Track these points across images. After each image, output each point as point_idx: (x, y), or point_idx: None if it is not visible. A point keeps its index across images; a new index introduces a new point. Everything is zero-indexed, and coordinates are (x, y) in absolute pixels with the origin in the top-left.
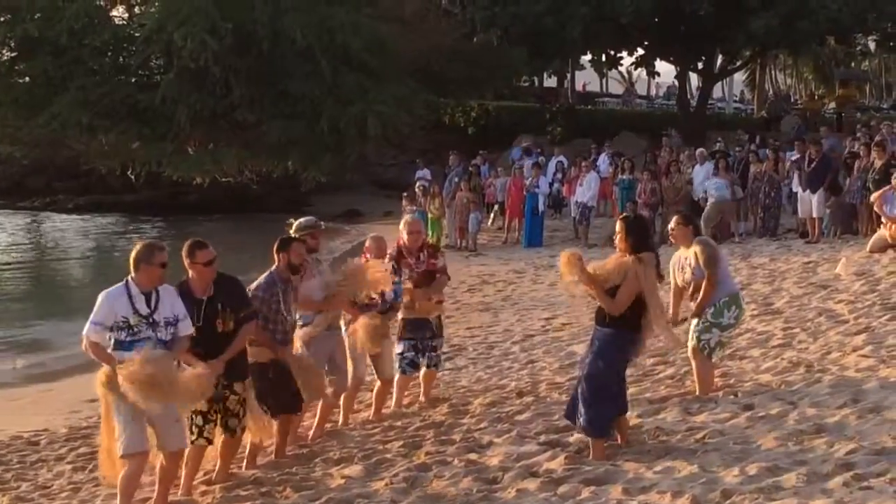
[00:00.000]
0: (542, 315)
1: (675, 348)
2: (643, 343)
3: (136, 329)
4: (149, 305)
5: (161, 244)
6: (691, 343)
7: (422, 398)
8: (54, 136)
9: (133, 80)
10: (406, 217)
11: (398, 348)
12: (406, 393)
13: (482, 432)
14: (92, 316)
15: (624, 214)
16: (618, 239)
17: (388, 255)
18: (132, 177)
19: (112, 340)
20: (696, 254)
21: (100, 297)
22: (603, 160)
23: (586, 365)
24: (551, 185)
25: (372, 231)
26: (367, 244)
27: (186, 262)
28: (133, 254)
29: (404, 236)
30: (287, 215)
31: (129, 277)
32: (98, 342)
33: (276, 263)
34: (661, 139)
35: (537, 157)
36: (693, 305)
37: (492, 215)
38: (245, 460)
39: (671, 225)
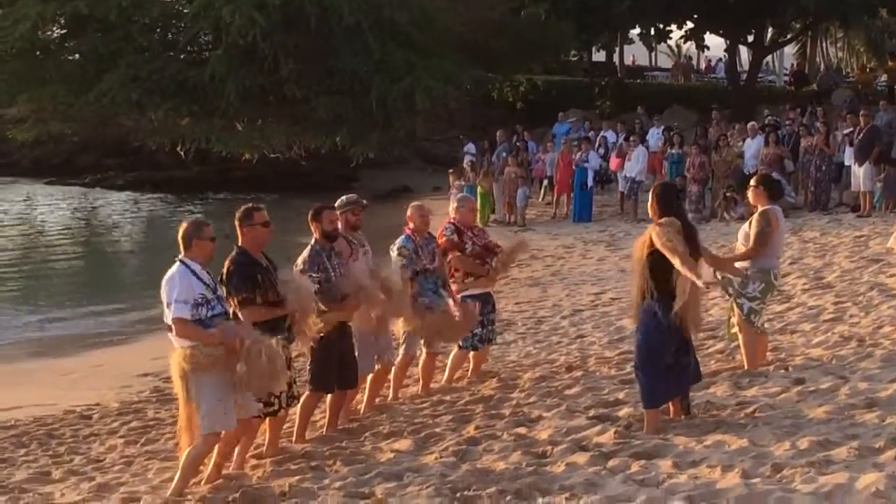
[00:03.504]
0: (591, 290)
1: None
2: (678, 312)
3: (212, 304)
4: (211, 279)
5: (206, 220)
6: (735, 318)
7: (470, 374)
8: (104, 114)
9: (182, 56)
10: (460, 194)
11: None
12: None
13: (531, 406)
14: (173, 295)
15: (655, 184)
16: (649, 207)
17: (444, 232)
18: (181, 153)
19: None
20: (751, 221)
21: (168, 280)
22: (653, 134)
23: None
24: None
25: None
26: (409, 213)
27: (244, 227)
28: (181, 232)
29: (460, 213)
30: (336, 192)
31: (181, 257)
32: (189, 320)
33: (315, 233)
34: (711, 113)
35: (584, 132)
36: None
37: (542, 190)
38: (295, 434)
39: (752, 182)
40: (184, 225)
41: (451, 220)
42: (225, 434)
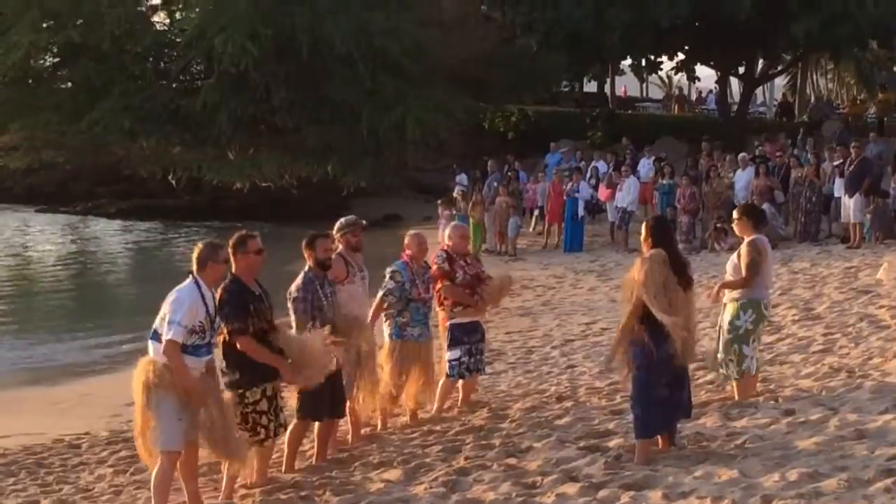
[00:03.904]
0: (581, 320)
1: (686, 356)
2: (669, 345)
3: (204, 335)
4: (214, 308)
5: (222, 243)
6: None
7: (460, 403)
8: (96, 142)
9: (174, 85)
10: (453, 222)
11: (453, 354)
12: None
13: (522, 437)
14: (176, 316)
15: (648, 218)
16: (641, 240)
17: (435, 259)
18: (173, 182)
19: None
20: (740, 252)
21: (177, 297)
22: (644, 164)
23: None
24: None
25: None
26: (406, 241)
27: (237, 255)
28: (197, 252)
29: (453, 240)
30: (327, 220)
31: (195, 276)
32: (180, 345)
33: (309, 261)
34: (702, 144)
35: (575, 162)
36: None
37: (533, 220)
38: (284, 463)
39: (735, 215)
40: (199, 246)
41: (444, 248)
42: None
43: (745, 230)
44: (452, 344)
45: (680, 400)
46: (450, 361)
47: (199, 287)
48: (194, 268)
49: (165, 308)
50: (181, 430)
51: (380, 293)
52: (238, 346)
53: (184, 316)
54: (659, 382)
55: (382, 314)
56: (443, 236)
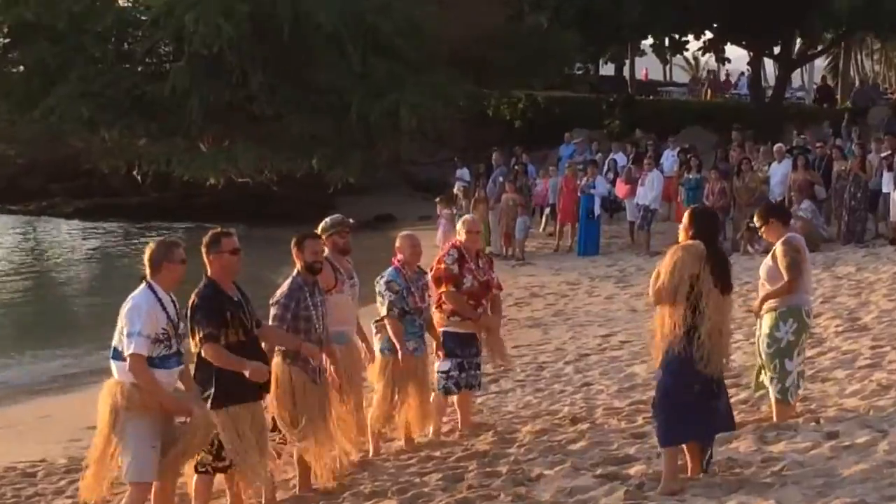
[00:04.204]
0: (598, 332)
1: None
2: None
3: (170, 343)
4: (176, 313)
5: (178, 240)
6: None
7: (461, 426)
8: (51, 132)
9: (139, 69)
10: (465, 215)
11: (443, 366)
12: (445, 419)
13: (531, 463)
14: (135, 327)
15: (693, 206)
16: (680, 229)
17: (444, 258)
18: (138, 178)
19: None
20: (774, 254)
21: (132, 306)
22: (668, 157)
23: None
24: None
25: None
26: (397, 243)
27: (210, 255)
28: (149, 253)
29: (462, 236)
30: (311, 221)
31: (149, 281)
32: (146, 358)
33: (297, 265)
34: (732, 134)
35: (590, 154)
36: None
37: (542, 219)
38: (264, 496)
39: (758, 221)
40: (152, 245)
41: (456, 245)
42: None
43: (775, 233)
44: (444, 354)
45: (715, 409)
46: (438, 373)
47: (154, 292)
48: (147, 271)
49: (122, 320)
50: (154, 459)
51: (383, 310)
52: (205, 353)
53: (144, 325)
54: (687, 387)
55: (374, 326)
56: (441, 238)
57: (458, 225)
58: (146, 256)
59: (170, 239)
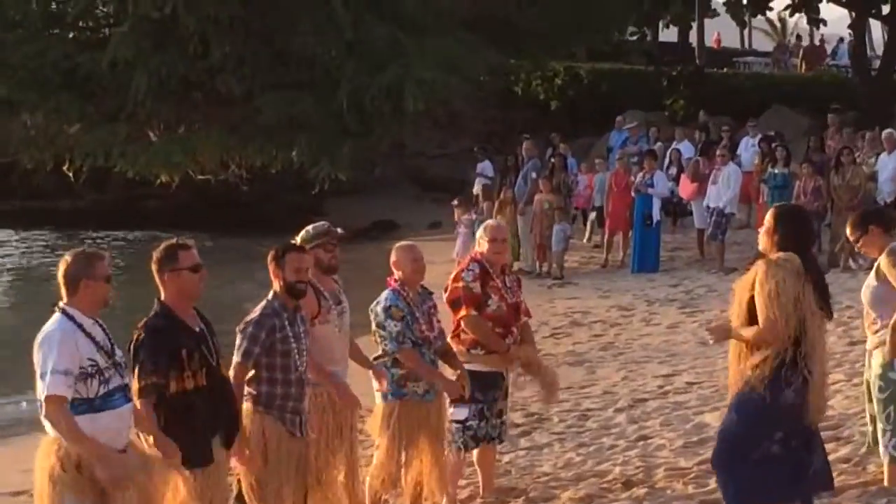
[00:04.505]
0: (658, 371)
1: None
2: (801, 392)
3: (107, 375)
4: (107, 338)
5: (99, 252)
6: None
7: (483, 491)
8: None
9: (70, 35)
10: (489, 221)
11: (458, 414)
12: (463, 482)
13: None
14: (49, 364)
15: (778, 204)
16: (762, 233)
17: (462, 275)
18: (70, 175)
19: (69, 406)
20: (879, 270)
21: (43, 339)
22: (746, 146)
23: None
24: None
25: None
26: (393, 258)
27: (164, 274)
28: (64, 269)
29: (484, 246)
30: (290, 230)
31: (63, 305)
32: (66, 400)
33: (274, 285)
34: (829, 117)
35: (648, 143)
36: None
37: (587, 227)
38: None
39: (852, 233)
40: (67, 259)
41: (476, 258)
42: None
43: (877, 244)
44: (460, 399)
45: (809, 464)
46: (453, 423)
47: (72, 319)
48: (63, 293)
49: (35, 361)
50: None
51: (390, 345)
52: (139, 407)
53: (59, 360)
54: (765, 438)
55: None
56: (461, 251)
57: (479, 232)
58: (60, 273)
59: (90, 250)
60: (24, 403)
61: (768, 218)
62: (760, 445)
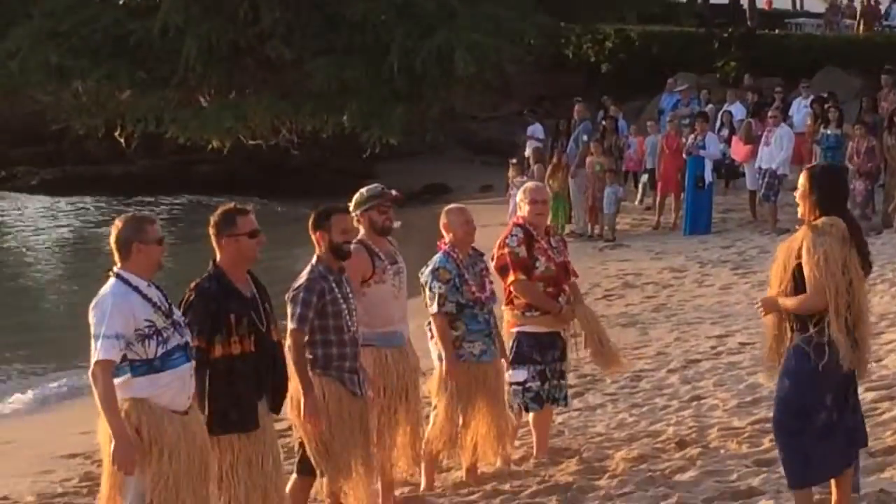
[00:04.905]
0: (710, 331)
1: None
2: (840, 351)
3: (165, 335)
4: (164, 298)
5: (149, 215)
6: None
7: (536, 451)
8: (11, 85)
9: (121, 2)
10: (528, 183)
11: (517, 376)
12: (517, 443)
13: (627, 499)
14: (100, 328)
15: (811, 165)
16: (798, 198)
17: (507, 241)
18: (121, 141)
19: (129, 368)
20: None
21: (97, 303)
22: (799, 108)
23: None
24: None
25: None
26: (443, 220)
27: (222, 239)
28: (115, 234)
29: (525, 209)
30: (342, 194)
31: (118, 270)
32: (114, 364)
33: (318, 249)
34: (881, 77)
35: (699, 105)
36: None
37: (639, 189)
38: None
39: None
40: (118, 224)
41: (518, 221)
42: None
43: None
44: (518, 361)
45: (854, 424)
46: (512, 386)
47: (126, 282)
48: (116, 258)
49: (90, 321)
50: None
51: (432, 306)
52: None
53: (112, 323)
54: (822, 404)
55: (427, 328)
56: (513, 213)
57: (519, 195)
58: (112, 239)
59: (140, 214)
60: (81, 375)
61: (802, 181)
62: (819, 413)
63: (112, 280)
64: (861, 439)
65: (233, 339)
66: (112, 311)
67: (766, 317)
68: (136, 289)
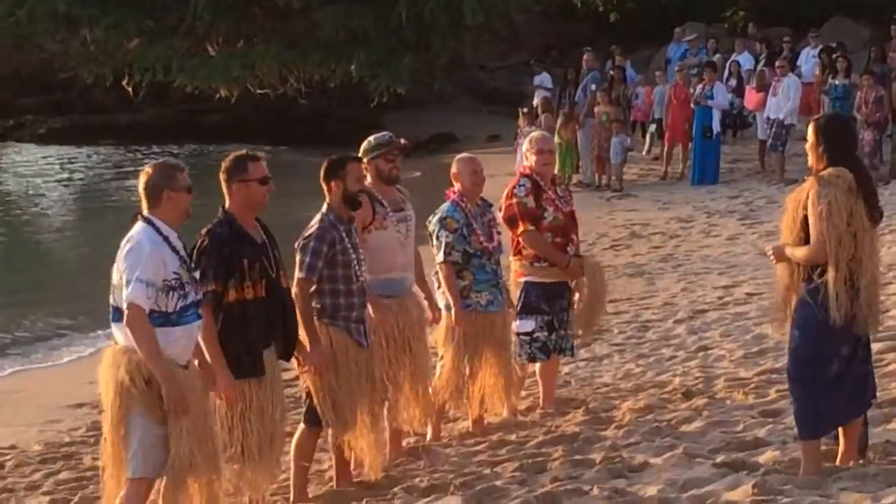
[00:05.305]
0: (717, 282)
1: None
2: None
3: (186, 289)
4: (187, 253)
5: (179, 162)
6: None
7: (543, 402)
8: (17, 33)
9: None
10: (534, 133)
11: (524, 326)
12: (523, 393)
13: (633, 449)
14: (135, 272)
15: (818, 116)
16: (807, 149)
17: (514, 191)
18: (129, 89)
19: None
20: None
21: (132, 247)
22: (807, 57)
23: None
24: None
25: None
26: (454, 169)
27: (232, 184)
28: (145, 180)
29: (531, 159)
30: (349, 144)
31: (148, 216)
32: (146, 312)
33: (329, 198)
34: (890, 27)
35: (707, 55)
36: None
37: (646, 139)
38: (293, 491)
39: None
40: (148, 170)
41: (525, 172)
42: None
43: None
44: (525, 311)
45: (866, 376)
46: (519, 336)
47: (157, 229)
48: (144, 205)
49: (120, 265)
50: (161, 453)
51: (438, 255)
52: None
53: (146, 268)
54: (833, 355)
55: (434, 277)
56: (521, 162)
57: (525, 145)
58: (141, 185)
59: (170, 161)
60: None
61: (810, 133)
62: (831, 364)
63: (142, 225)
64: (871, 390)
65: (246, 284)
66: (148, 258)
67: (777, 264)
68: (166, 239)
